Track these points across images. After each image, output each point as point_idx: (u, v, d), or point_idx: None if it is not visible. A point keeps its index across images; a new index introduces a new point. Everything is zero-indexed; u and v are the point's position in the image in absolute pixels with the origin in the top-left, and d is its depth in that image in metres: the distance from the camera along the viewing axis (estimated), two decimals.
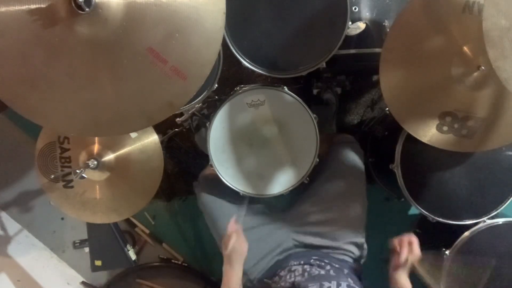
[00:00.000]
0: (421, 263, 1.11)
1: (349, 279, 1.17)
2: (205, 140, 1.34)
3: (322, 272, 1.17)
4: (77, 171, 1.25)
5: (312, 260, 1.24)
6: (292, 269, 1.22)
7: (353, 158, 1.42)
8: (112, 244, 1.75)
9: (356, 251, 1.33)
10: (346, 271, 1.23)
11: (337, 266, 1.23)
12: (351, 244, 1.32)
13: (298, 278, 1.16)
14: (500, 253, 1.36)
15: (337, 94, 1.66)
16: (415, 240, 1.09)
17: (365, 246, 1.36)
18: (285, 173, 1.36)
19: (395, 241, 1.11)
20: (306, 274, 1.17)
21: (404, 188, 1.34)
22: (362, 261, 1.37)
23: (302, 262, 1.24)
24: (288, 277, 1.19)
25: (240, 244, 1.14)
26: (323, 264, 1.22)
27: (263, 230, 1.37)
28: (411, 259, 1.08)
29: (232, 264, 1.13)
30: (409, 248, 1.08)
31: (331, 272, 1.18)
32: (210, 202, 1.41)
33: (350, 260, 1.32)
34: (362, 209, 1.37)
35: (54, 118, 0.96)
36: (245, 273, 1.28)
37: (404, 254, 1.07)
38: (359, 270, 1.32)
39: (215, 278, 1.94)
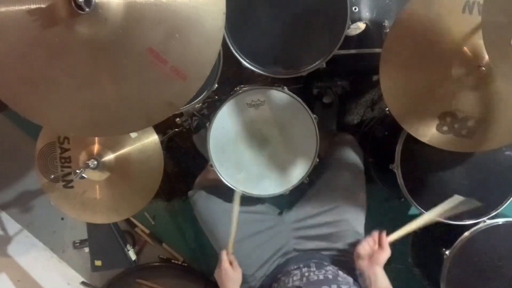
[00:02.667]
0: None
1: (348, 281, 1.17)
2: (204, 141, 1.34)
3: (321, 276, 1.17)
4: (77, 171, 1.25)
5: (311, 263, 1.24)
6: (291, 273, 1.22)
7: (353, 158, 1.42)
8: (112, 244, 1.75)
9: None
10: (345, 272, 1.23)
11: (336, 267, 1.23)
12: (350, 245, 1.32)
13: (297, 283, 1.16)
14: (500, 253, 1.36)
15: (337, 94, 1.66)
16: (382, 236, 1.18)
17: None
18: (285, 173, 1.36)
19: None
20: (304, 279, 1.17)
21: (404, 188, 1.34)
22: None
23: (301, 265, 1.24)
24: (287, 281, 1.19)
25: (233, 271, 1.19)
26: (322, 267, 1.22)
27: (263, 237, 1.36)
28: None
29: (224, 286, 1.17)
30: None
31: (330, 275, 1.17)
32: (207, 211, 1.39)
33: (350, 260, 1.32)
34: (362, 209, 1.37)
35: (54, 118, 0.96)
36: (246, 281, 1.28)
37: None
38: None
39: (215, 279, 1.94)
